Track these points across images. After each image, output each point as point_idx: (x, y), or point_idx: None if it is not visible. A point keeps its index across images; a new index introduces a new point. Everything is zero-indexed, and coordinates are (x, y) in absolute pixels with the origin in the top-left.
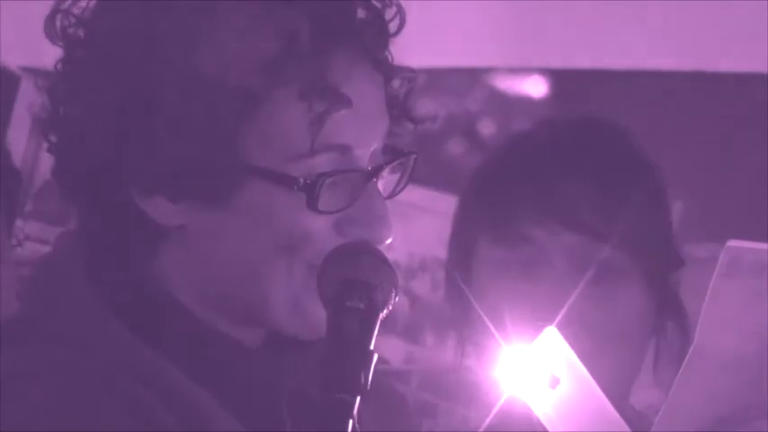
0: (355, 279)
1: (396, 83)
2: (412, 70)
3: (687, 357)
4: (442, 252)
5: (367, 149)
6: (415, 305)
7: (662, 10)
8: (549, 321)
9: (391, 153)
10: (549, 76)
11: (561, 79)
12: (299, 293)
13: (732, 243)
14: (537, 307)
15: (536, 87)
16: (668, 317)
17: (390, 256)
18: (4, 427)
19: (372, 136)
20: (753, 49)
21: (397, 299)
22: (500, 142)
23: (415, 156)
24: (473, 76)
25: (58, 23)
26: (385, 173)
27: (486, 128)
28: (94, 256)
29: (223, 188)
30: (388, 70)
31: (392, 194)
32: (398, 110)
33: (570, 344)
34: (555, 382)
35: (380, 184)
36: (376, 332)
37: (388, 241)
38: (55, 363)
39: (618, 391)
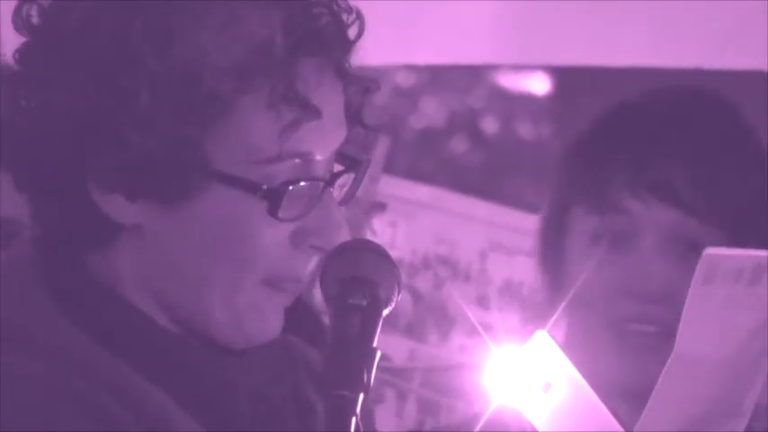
0: (358, 276)
1: (354, 90)
2: (371, 79)
3: (669, 362)
4: (444, 250)
5: (324, 156)
6: (418, 302)
7: (664, 6)
8: (636, 293)
9: (344, 159)
10: (551, 73)
11: (564, 76)
12: (242, 308)
13: (710, 251)
14: (624, 278)
15: (539, 84)
16: None
17: (393, 253)
18: None
19: (332, 144)
20: (753, 47)
21: (399, 296)
22: (603, 111)
23: (367, 163)
24: (476, 74)
25: (24, 12)
26: (340, 181)
27: (490, 125)
28: (47, 260)
29: (184, 190)
30: (348, 78)
31: (345, 199)
32: (354, 117)
33: (658, 324)
34: (547, 387)
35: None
36: (379, 329)
37: None
38: (10, 369)
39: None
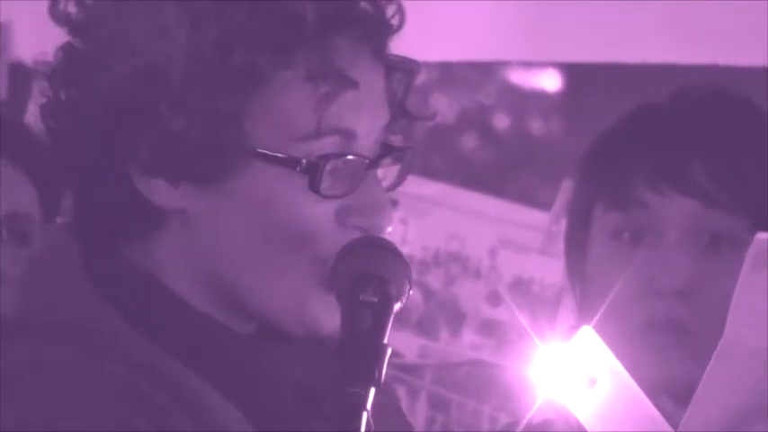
0: (369, 273)
1: (396, 77)
2: (413, 61)
3: (717, 351)
4: (455, 246)
5: (369, 138)
6: (429, 299)
7: (676, 2)
8: (662, 287)
9: (389, 147)
10: (562, 69)
11: (575, 73)
12: (298, 288)
13: (761, 235)
14: (647, 273)
15: (550, 81)
16: None
17: (404, 249)
18: (4, 424)
19: (374, 124)
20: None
21: (410, 293)
22: (628, 109)
23: (413, 149)
24: (487, 71)
25: (61, 6)
26: (385, 163)
27: (500, 122)
28: (88, 247)
29: (224, 169)
30: (388, 62)
31: (390, 188)
32: (397, 106)
33: (682, 318)
34: (592, 382)
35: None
36: (389, 326)
37: (389, 230)
38: (53, 359)
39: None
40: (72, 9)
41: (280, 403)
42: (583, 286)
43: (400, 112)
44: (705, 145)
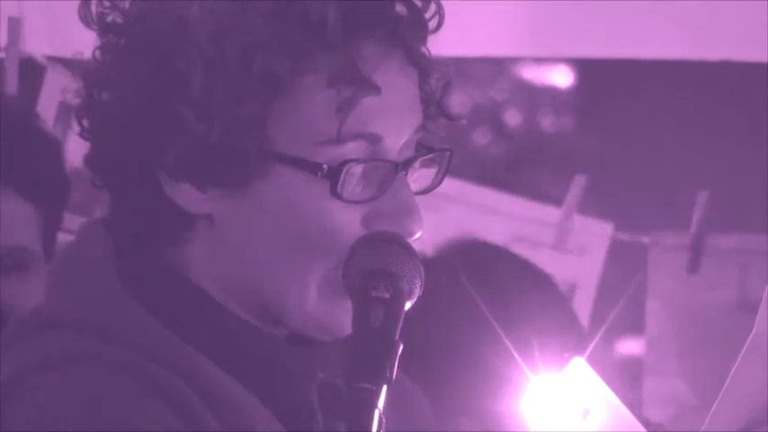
0: (380, 269)
1: (432, 79)
2: (446, 63)
3: (747, 344)
4: None
5: (397, 141)
6: None
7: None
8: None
9: (424, 148)
10: (574, 65)
11: (586, 69)
12: (320, 297)
13: None
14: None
15: (562, 77)
16: None
17: (416, 245)
18: (33, 416)
19: (402, 128)
20: None
21: (422, 289)
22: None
23: (450, 152)
24: (499, 66)
25: (93, 9)
26: (416, 166)
27: (512, 118)
28: (120, 245)
29: (248, 174)
30: (423, 65)
31: (426, 190)
32: (434, 107)
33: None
34: (586, 413)
35: (410, 179)
36: (401, 322)
37: (418, 235)
38: (83, 352)
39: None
40: (102, 9)
41: (307, 403)
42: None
43: (438, 113)
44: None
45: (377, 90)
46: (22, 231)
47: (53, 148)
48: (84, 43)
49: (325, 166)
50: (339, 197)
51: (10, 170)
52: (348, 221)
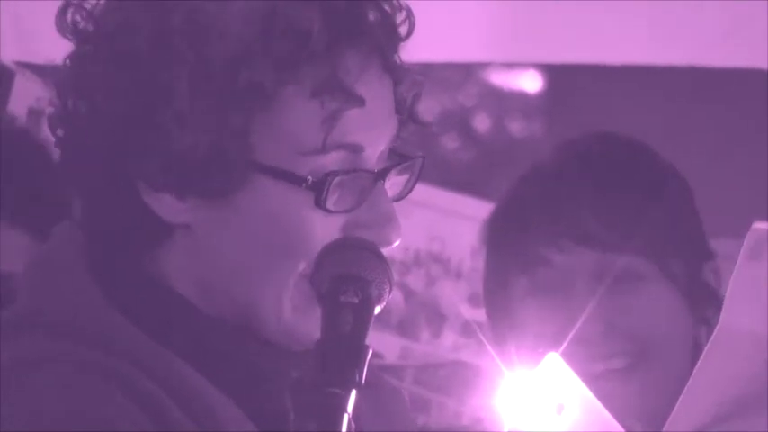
0: (349, 274)
1: (404, 86)
2: (420, 73)
3: (711, 339)
4: (436, 247)
5: (376, 150)
6: (410, 300)
7: (658, 4)
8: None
9: (398, 156)
10: (543, 70)
11: (556, 74)
12: (293, 306)
13: (758, 225)
14: (567, 327)
15: (531, 82)
16: (705, 307)
17: (385, 250)
18: (6, 416)
19: (382, 137)
20: (751, 45)
21: (391, 294)
22: (518, 175)
23: (422, 159)
24: (468, 71)
25: (69, 17)
26: (392, 175)
27: (481, 123)
28: (95, 248)
29: (230, 184)
30: (397, 73)
31: (399, 197)
32: (405, 113)
33: (609, 355)
34: (560, 409)
35: (387, 187)
36: (370, 327)
37: (396, 243)
38: (56, 353)
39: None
40: (78, 19)
41: (281, 403)
42: (517, 342)
43: (409, 120)
44: (593, 194)
45: (361, 102)
46: (18, 261)
47: (50, 168)
48: (56, 50)
49: (309, 178)
50: (323, 208)
51: (5, 202)
52: (328, 231)
